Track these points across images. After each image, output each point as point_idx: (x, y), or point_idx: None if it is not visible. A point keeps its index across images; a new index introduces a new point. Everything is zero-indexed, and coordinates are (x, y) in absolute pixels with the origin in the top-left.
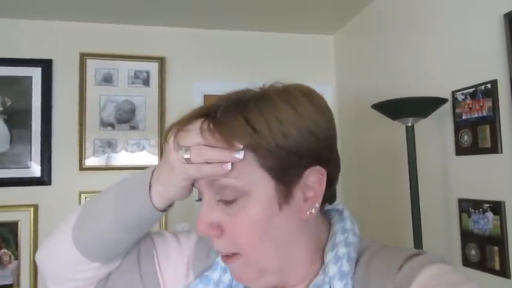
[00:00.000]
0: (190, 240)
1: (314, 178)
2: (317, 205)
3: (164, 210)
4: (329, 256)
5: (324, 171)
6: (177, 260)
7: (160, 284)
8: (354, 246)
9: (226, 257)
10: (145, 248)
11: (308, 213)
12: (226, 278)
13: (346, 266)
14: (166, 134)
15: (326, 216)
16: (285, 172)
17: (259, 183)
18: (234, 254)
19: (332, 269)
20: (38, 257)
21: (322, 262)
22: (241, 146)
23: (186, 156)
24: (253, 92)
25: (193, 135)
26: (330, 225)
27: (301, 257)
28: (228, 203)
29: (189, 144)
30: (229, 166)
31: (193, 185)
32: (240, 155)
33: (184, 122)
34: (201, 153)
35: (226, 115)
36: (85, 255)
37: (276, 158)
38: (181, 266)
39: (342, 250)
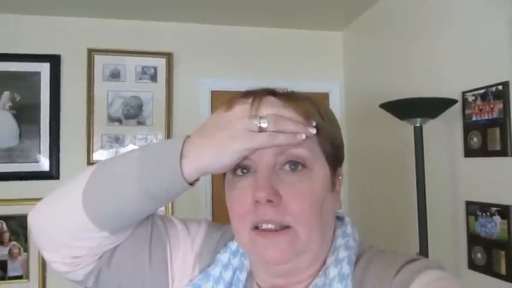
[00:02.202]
0: (200, 233)
1: (338, 176)
2: (340, 200)
3: (191, 184)
4: (330, 259)
5: (342, 173)
6: (186, 252)
7: (168, 273)
8: (354, 250)
9: (269, 232)
10: (157, 234)
11: (338, 204)
12: (227, 274)
13: (346, 269)
14: (230, 102)
15: None
16: (334, 159)
17: (319, 161)
18: (284, 228)
19: (332, 272)
20: (34, 217)
21: (323, 264)
22: (315, 123)
23: (264, 124)
24: None
25: (270, 106)
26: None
27: (325, 246)
28: (292, 171)
29: (266, 114)
30: (303, 136)
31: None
32: (313, 130)
33: (255, 95)
34: (278, 123)
35: (298, 96)
36: (95, 223)
37: (330, 144)
38: (189, 259)
39: (342, 253)
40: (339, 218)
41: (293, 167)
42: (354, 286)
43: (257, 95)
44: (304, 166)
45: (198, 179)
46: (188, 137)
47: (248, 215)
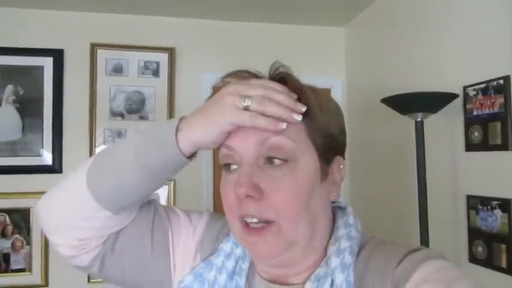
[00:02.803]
0: (201, 222)
1: (337, 166)
2: (339, 190)
3: (189, 158)
4: (332, 249)
5: (343, 163)
6: (187, 239)
7: (170, 259)
8: (356, 240)
9: (255, 229)
10: (159, 220)
11: (335, 194)
12: (230, 264)
13: (348, 259)
14: (225, 78)
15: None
16: (326, 150)
17: (306, 152)
18: (267, 224)
19: (334, 261)
20: (41, 205)
21: (324, 255)
22: (304, 109)
23: (247, 103)
24: None
25: (259, 87)
26: (333, 222)
27: (321, 237)
28: (275, 165)
29: (253, 94)
30: (284, 125)
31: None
32: (298, 117)
33: (248, 75)
34: (263, 104)
35: (295, 78)
36: (98, 201)
37: (321, 136)
38: (190, 246)
39: (344, 243)
40: (341, 208)
41: (272, 162)
42: (356, 276)
43: (246, 75)
44: (286, 161)
45: (195, 154)
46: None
47: (234, 208)
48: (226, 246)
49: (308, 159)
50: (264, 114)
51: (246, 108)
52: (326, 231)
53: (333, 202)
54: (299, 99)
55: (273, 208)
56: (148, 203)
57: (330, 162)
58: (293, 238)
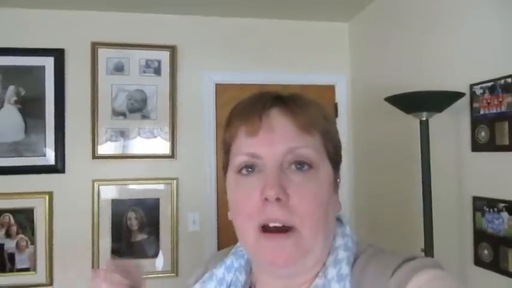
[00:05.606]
0: None
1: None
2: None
3: None
4: (329, 259)
5: (339, 177)
6: None
7: None
8: (353, 251)
9: (276, 234)
10: None
11: (339, 206)
12: (229, 277)
13: (345, 269)
14: (228, 122)
15: None
16: (336, 161)
17: (324, 161)
18: (288, 230)
19: (331, 272)
20: None
21: (323, 265)
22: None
23: None
24: None
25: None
26: None
27: (328, 247)
28: (302, 170)
29: None
30: None
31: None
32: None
33: (252, 112)
34: None
35: (304, 101)
36: None
37: (333, 147)
38: None
39: (341, 254)
40: (337, 218)
41: (299, 166)
42: (353, 286)
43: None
44: (311, 166)
45: None
46: None
47: (256, 213)
48: (218, 271)
49: (326, 168)
50: None
51: None
52: (331, 242)
53: None
54: (309, 119)
55: (298, 215)
56: None
57: (338, 173)
58: (311, 247)
